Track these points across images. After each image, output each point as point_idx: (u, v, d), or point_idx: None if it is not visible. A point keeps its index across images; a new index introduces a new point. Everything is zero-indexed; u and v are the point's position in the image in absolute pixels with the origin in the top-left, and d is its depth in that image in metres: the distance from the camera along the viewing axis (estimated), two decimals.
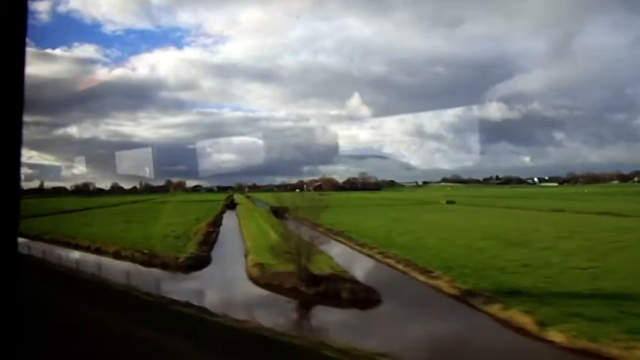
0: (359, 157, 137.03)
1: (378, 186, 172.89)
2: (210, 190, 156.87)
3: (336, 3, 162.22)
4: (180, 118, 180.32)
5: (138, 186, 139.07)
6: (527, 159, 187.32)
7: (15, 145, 2.34)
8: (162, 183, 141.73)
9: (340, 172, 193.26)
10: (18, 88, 2.37)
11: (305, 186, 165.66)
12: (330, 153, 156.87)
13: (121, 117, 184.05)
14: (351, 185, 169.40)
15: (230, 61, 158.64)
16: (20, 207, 2.39)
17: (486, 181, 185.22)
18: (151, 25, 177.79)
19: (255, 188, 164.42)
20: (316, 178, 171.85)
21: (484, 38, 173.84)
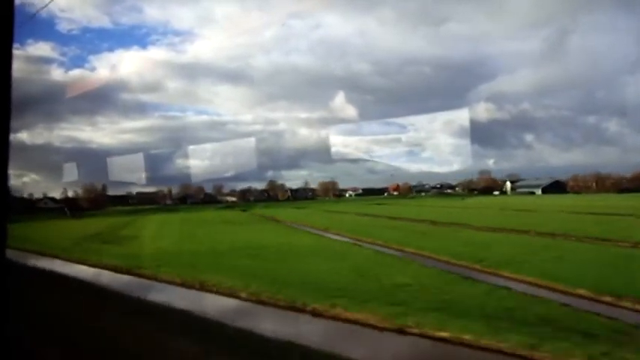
0: (326, 161, 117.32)
1: None
2: (359, 194, 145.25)
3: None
4: (142, 123, 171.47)
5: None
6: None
7: (2, 152, 2.30)
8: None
9: (303, 177, 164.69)
10: (4, 96, 2.32)
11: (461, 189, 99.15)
12: (298, 157, 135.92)
13: (78, 121, 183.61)
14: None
15: (199, 61, 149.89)
16: (8, 217, 2.35)
17: None
18: (113, 22, 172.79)
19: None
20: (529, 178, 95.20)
21: (470, 38, 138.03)
